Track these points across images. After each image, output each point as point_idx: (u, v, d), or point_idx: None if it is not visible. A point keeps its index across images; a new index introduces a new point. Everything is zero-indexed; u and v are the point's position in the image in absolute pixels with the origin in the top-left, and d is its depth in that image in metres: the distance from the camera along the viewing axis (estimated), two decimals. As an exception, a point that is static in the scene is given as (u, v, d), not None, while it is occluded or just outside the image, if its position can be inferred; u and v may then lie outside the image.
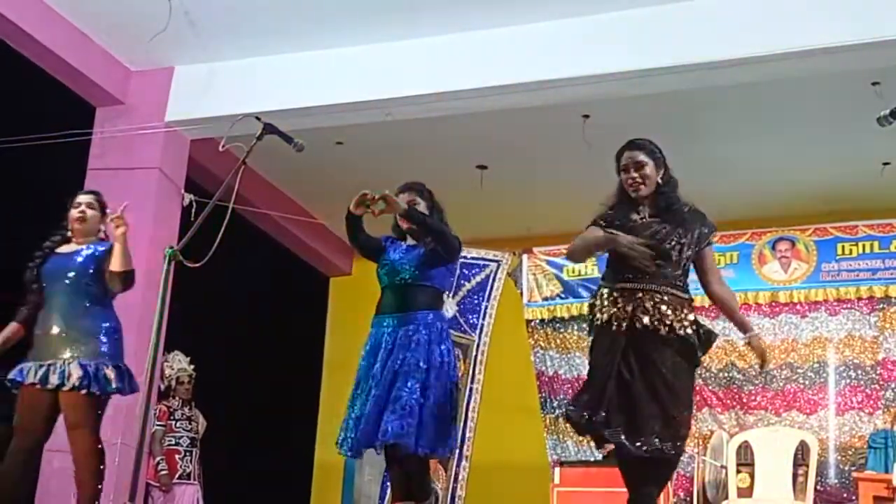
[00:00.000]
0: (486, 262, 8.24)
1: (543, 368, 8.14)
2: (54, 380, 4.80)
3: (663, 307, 4.16)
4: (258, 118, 4.84)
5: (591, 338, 4.43)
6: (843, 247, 7.50)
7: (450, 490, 7.82)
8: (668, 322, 4.15)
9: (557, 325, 8.17)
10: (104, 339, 4.93)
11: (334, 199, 9.60)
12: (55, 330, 4.91)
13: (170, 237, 7.12)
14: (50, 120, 7.32)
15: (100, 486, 4.84)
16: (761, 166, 8.39)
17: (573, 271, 8.13)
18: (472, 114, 7.42)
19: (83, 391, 4.78)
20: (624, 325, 4.18)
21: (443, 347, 4.80)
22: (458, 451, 7.58)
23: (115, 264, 4.90)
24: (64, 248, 5.12)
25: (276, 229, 9.77)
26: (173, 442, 7.60)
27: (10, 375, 4.96)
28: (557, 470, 6.79)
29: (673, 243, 4.27)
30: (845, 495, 7.10)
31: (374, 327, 4.91)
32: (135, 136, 7.53)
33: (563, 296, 8.15)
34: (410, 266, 4.91)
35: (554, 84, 6.88)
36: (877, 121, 4.31)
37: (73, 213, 5.14)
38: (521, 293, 8.27)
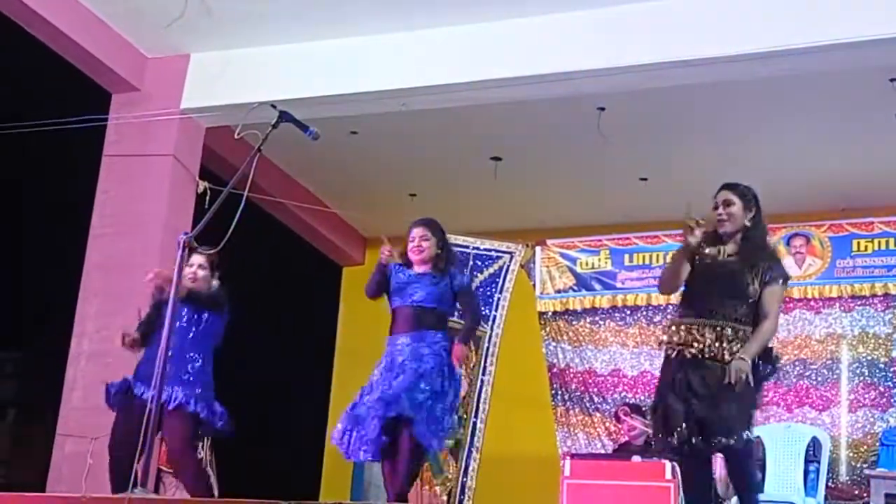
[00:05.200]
0: (500, 254, 8.23)
1: (555, 360, 8.13)
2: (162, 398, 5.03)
3: (724, 341, 4.56)
4: (274, 106, 4.85)
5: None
6: (858, 243, 7.45)
7: (459, 481, 7.82)
8: (728, 356, 4.53)
9: (570, 317, 8.15)
10: (198, 377, 5.29)
11: (348, 189, 9.71)
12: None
13: (184, 224, 7.14)
14: (66, 105, 7.34)
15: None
16: (777, 161, 8.35)
17: (586, 264, 8.12)
18: (487, 105, 7.41)
19: (189, 410, 5.13)
20: (688, 355, 4.61)
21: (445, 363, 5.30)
22: (468, 441, 7.60)
23: None
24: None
25: (290, 218, 9.78)
26: (185, 428, 7.60)
27: (116, 388, 5.30)
28: (568, 462, 6.75)
29: (744, 282, 4.63)
30: (857, 492, 7.08)
31: (390, 345, 5.33)
32: (150, 122, 7.54)
33: (575, 288, 8.14)
34: (424, 292, 5.33)
35: (570, 76, 6.87)
36: (895, 116, 4.30)
37: (187, 270, 5.24)
38: (534, 285, 8.25)
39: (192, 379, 5.25)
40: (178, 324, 5.12)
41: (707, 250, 4.75)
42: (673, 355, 4.68)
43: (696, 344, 4.59)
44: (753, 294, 4.66)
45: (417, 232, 5.43)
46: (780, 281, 4.75)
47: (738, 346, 4.55)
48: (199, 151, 7.85)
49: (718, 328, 4.59)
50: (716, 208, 4.79)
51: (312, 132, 4.92)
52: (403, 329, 5.32)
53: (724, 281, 4.66)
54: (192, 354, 5.30)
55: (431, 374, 5.18)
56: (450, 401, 5.29)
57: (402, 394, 5.07)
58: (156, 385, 4.49)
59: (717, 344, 4.56)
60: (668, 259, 4.99)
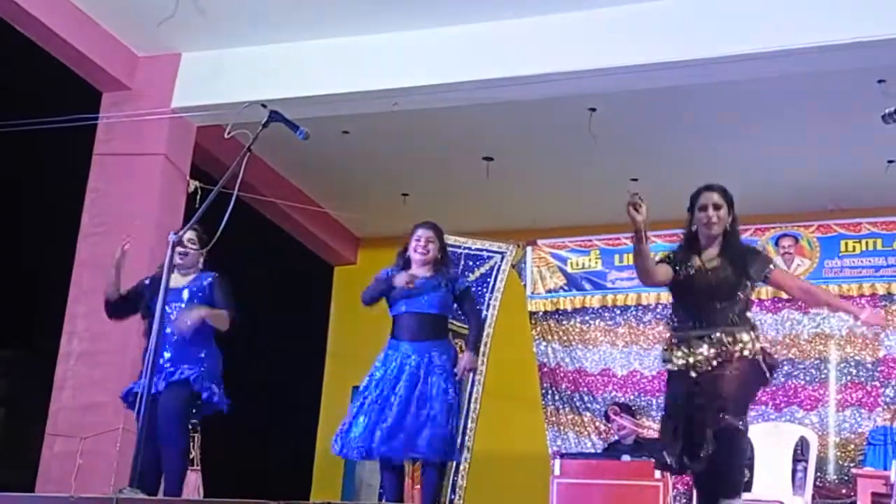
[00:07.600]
0: (491, 254, 8.24)
1: (545, 360, 8.14)
2: (160, 384, 5.12)
3: (721, 344, 4.48)
4: (264, 105, 4.87)
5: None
6: (846, 244, 7.48)
7: (450, 480, 7.84)
8: (725, 356, 4.47)
9: (560, 317, 8.16)
10: (204, 364, 5.37)
11: (340, 188, 9.72)
12: (166, 355, 5.24)
13: (174, 224, 7.13)
14: (56, 104, 7.32)
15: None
16: (766, 163, 8.39)
17: (577, 264, 8.13)
18: (479, 105, 7.43)
19: (190, 386, 5.22)
20: (689, 367, 4.53)
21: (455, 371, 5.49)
22: (459, 441, 7.62)
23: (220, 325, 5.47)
24: (171, 283, 5.34)
25: (281, 217, 9.78)
26: (176, 427, 7.58)
27: (127, 389, 5.37)
28: (557, 461, 6.79)
29: (731, 285, 4.56)
30: (844, 491, 7.10)
31: (393, 350, 5.40)
32: (141, 121, 7.54)
33: (566, 288, 8.15)
34: (429, 299, 5.41)
35: (561, 77, 6.90)
36: (882, 118, 4.32)
37: (179, 248, 5.26)
38: (525, 285, 8.27)
39: (197, 359, 5.35)
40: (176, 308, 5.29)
41: (686, 261, 4.66)
42: (675, 371, 4.60)
43: (699, 362, 4.50)
44: (746, 295, 4.61)
45: (424, 233, 5.52)
46: (772, 266, 4.70)
47: (740, 347, 4.46)
48: (189, 151, 7.85)
49: (717, 339, 4.49)
50: (703, 209, 4.65)
51: (302, 132, 4.92)
52: (408, 336, 5.40)
53: (716, 289, 4.55)
54: (192, 337, 5.37)
55: (440, 394, 5.33)
56: (454, 409, 5.46)
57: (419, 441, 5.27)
58: (146, 373, 4.51)
59: (719, 354, 4.46)
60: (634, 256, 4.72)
